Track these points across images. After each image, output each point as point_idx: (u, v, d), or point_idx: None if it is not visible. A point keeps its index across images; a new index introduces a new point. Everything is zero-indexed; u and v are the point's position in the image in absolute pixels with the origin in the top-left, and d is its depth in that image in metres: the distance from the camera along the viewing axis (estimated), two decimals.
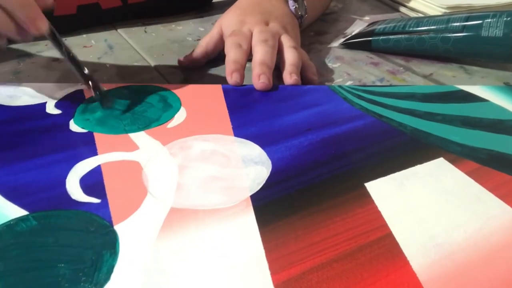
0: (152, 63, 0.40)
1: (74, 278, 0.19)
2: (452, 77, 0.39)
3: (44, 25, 0.27)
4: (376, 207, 0.23)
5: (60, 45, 0.30)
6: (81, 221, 0.22)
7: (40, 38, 0.29)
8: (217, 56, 0.40)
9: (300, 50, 0.36)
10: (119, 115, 0.31)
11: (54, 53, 0.41)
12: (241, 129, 0.29)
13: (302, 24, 0.42)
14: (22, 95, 0.33)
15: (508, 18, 0.35)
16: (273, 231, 0.22)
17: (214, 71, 0.39)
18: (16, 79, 0.36)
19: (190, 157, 0.27)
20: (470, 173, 0.26)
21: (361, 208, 0.23)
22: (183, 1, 0.51)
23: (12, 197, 0.23)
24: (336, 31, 0.48)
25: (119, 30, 0.46)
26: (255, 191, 0.24)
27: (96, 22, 0.46)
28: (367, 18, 0.52)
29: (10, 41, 0.28)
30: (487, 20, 0.36)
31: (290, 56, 0.35)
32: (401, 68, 0.40)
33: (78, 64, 0.31)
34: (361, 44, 0.43)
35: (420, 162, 0.27)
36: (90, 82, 0.31)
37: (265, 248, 0.21)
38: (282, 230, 0.22)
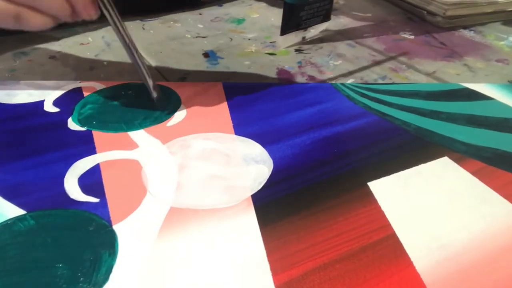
0: (150, 61, 0.40)
1: (72, 279, 0.19)
2: (455, 75, 0.38)
3: (95, 14, 0.27)
4: (379, 207, 0.23)
5: (119, 32, 0.27)
6: (80, 221, 0.22)
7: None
8: (216, 55, 0.39)
9: None
10: (118, 114, 0.30)
11: (51, 50, 0.40)
12: (242, 127, 0.29)
13: None
14: (20, 93, 0.32)
15: None
16: (274, 231, 0.21)
17: (214, 68, 0.38)
18: (12, 77, 0.36)
19: (190, 155, 0.26)
20: (475, 173, 0.25)
21: (364, 208, 0.23)
22: None
23: (10, 196, 0.23)
24: (337, 28, 0.48)
25: None
26: (256, 191, 0.24)
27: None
28: (369, 15, 0.52)
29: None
30: None
31: None
32: (404, 65, 0.40)
33: (140, 57, 0.28)
34: None
35: (424, 161, 0.26)
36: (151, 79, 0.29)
37: (266, 248, 0.21)
38: (284, 230, 0.21)
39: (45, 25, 0.26)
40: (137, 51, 0.28)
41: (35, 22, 0.25)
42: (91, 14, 0.27)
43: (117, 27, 0.27)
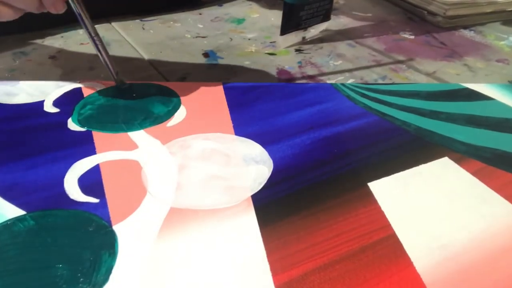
0: (150, 61, 0.40)
1: (72, 279, 0.19)
2: (455, 75, 0.38)
3: (61, 8, 0.29)
4: (379, 207, 0.23)
5: (85, 26, 0.30)
6: (80, 221, 0.22)
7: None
8: (216, 54, 0.39)
9: None
10: (118, 114, 0.30)
11: (51, 50, 0.40)
12: (242, 128, 0.29)
13: None
14: (20, 93, 0.32)
15: None
16: (274, 231, 0.21)
17: (214, 68, 0.38)
18: (12, 77, 0.36)
19: (190, 156, 0.26)
20: (475, 173, 0.25)
21: (364, 208, 0.23)
22: None
23: (10, 197, 0.23)
24: (337, 28, 0.48)
25: (116, 27, 0.46)
26: (256, 191, 0.24)
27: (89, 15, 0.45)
28: (369, 15, 0.52)
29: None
30: None
31: None
32: (404, 65, 0.40)
33: (104, 49, 0.31)
34: None
35: (424, 162, 0.26)
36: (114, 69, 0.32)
37: (266, 248, 0.21)
38: (284, 230, 0.21)
39: (13, 17, 0.29)
40: (101, 42, 0.31)
41: (5, 14, 0.28)
42: (58, 9, 0.29)
43: (83, 19, 0.29)
